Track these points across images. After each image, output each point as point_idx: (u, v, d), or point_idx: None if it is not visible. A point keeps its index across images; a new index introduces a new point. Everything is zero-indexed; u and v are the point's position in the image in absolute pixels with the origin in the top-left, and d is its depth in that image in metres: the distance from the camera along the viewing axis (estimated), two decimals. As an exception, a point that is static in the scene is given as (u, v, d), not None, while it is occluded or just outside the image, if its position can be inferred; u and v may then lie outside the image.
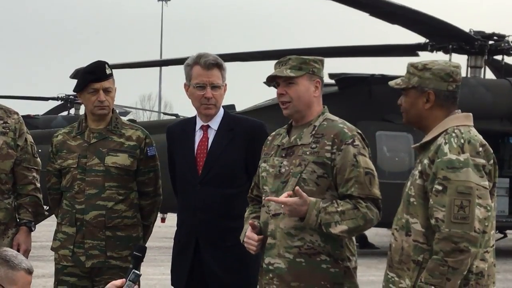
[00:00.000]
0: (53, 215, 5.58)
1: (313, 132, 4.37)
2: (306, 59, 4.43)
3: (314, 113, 4.43)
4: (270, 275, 4.37)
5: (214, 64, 4.90)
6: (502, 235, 16.62)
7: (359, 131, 4.40)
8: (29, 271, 4.09)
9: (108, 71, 5.19)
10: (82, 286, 5.08)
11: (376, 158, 14.60)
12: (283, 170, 4.38)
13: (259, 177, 4.57)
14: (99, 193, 5.15)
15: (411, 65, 4.00)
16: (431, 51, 16.29)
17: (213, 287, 4.88)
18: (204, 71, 4.89)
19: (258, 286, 4.55)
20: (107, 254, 5.14)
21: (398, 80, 4.03)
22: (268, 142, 4.59)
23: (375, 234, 17.80)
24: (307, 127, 4.41)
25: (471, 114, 3.98)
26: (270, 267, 4.37)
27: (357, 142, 4.32)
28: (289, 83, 4.41)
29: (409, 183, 3.95)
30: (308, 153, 4.33)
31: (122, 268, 5.06)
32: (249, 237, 4.43)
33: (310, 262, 4.28)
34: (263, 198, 4.48)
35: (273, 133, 4.62)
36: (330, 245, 4.28)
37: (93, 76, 5.17)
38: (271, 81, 4.49)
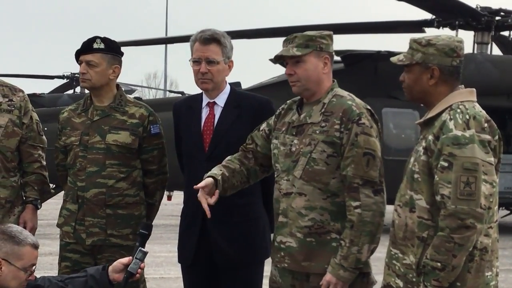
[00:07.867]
0: (61, 193, 5.59)
1: (323, 110, 4.32)
2: (312, 36, 4.35)
3: (323, 90, 4.37)
4: (282, 253, 4.36)
5: (211, 39, 4.82)
6: (508, 212, 16.58)
7: (368, 107, 4.33)
8: (35, 246, 4.11)
9: (96, 46, 5.14)
10: (84, 263, 5.08)
11: (382, 135, 14.55)
12: (293, 149, 4.35)
13: (259, 137, 4.58)
14: (99, 171, 5.13)
15: (414, 41, 3.95)
16: (438, 27, 16.21)
17: (220, 263, 4.88)
18: (201, 46, 4.83)
19: (271, 263, 4.54)
20: (107, 232, 5.13)
21: (401, 56, 3.98)
22: (280, 115, 4.53)
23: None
24: (317, 104, 4.35)
25: (474, 89, 3.95)
26: (282, 245, 4.36)
27: (363, 121, 4.24)
28: (297, 62, 4.34)
29: (412, 159, 3.93)
30: (317, 132, 4.28)
31: (123, 246, 5.08)
32: (199, 197, 4.44)
33: (320, 241, 4.27)
34: (275, 175, 4.46)
35: (285, 106, 4.55)
36: (339, 223, 4.26)
37: (80, 48, 5.19)
38: (278, 60, 4.42)
